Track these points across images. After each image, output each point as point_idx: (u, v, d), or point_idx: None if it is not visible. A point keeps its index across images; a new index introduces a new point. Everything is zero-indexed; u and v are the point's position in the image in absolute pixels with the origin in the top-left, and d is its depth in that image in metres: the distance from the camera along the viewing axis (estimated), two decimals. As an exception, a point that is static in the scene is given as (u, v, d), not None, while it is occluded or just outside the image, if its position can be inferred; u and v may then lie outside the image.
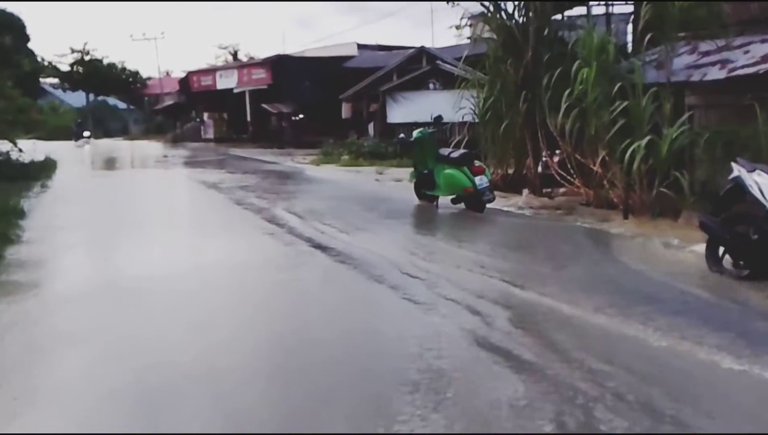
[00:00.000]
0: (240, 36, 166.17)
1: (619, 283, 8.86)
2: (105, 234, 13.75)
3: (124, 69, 76.01)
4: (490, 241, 12.29)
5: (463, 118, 30.89)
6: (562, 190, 17.19)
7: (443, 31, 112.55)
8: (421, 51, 36.66)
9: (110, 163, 35.95)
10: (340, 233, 12.67)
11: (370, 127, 40.64)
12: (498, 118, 20.00)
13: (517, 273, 9.43)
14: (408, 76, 33.77)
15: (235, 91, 52.22)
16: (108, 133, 72.33)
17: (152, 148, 47.80)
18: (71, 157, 38.16)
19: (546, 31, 18.91)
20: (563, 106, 16.09)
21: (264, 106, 48.34)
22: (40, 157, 28.81)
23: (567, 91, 16.02)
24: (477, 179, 15.03)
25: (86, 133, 59.42)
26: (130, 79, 77.02)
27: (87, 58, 72.55)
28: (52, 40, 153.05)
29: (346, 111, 41.00)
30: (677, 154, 13.78)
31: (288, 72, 46.97)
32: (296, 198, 18.19)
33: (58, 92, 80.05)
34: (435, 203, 16.01)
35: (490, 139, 20.65)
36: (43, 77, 73.54)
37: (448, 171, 15.41)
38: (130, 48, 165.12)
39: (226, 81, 53.54)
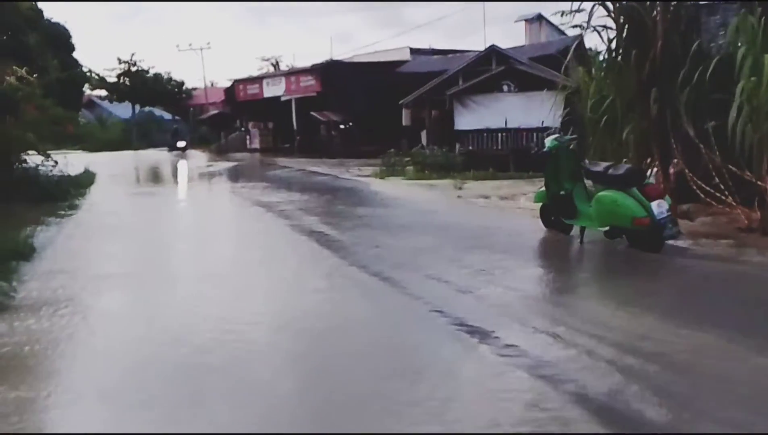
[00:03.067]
0: (281, 49, 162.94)
1: None
2: (139, 300, 8.72)
3: (170, 79, 71.73)
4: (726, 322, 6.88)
5: (543, 123, 27.17)
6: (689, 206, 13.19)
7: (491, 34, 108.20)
8: (491, 51, 31.94)
9: (152, 178, 31.67)
10: (476, 293, 8.25)
11: (423, 136, 36.26)
12: (613, 123, 15.83)
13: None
14: (478, 78, 29.12)
15: (283, 99, 47.84)
16: (153, 145, 68.46)
17: (197, 159, 43.34)
18: (113, 170, 33.81)
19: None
20: (735, 105, 11.81)
21: (313, 114, 43.98)
22: (79, 170, 25.22)
23: (740, 85, 11.84)
24: (654, 206, 10.16)
25: (181, 144, 54.48)
26: (176, 90, 72.84)
27: (134, 69, 68.49)
28: (101, 52, 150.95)
29: (406, 118, 36.35)
30: None
31: (338, 79, 42.60)
32: (374, 226, 13.88)
33: (106, 104, 76.21)
34: (579, 237, 11.26)
35: (599, 147, 16.54)
36: (90, 89, 69.84)
37: (606, 194, 10.62)
38: (176, 58, 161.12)
39: (273, 89, 49.16)
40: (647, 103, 14.48)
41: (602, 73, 17.11)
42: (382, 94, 38.47)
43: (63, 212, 16.40)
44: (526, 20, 47.55)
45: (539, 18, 47.14)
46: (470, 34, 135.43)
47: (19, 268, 9.80)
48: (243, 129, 56.55)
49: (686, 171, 13.25)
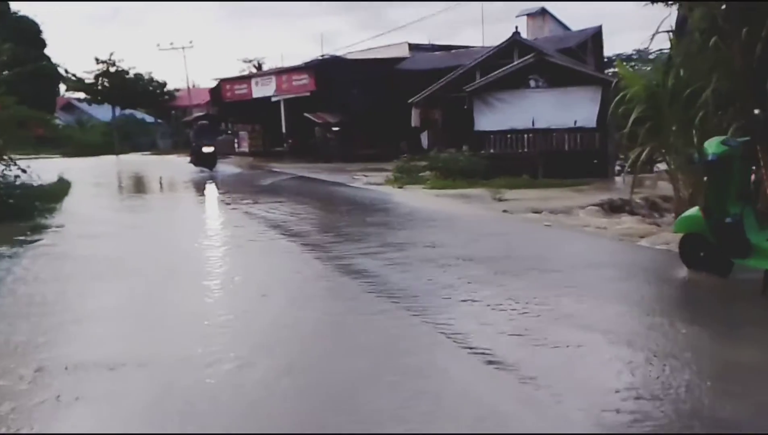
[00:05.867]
0: (264, 51, 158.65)
1: None
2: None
3: (151, 80, 67.56)
4: None
5: (576, 123, 23.55)
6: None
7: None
8: (513, 42, 28.22)
9: (135, 187, 27.08)
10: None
11: (423, 138, 32.65)
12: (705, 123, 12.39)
13: None
14: (501, 72, 25.33)
15: (273, 99, 44.04)
16: (135, 148, 64.46)
17: (183, 164, 39.15)
18: (91, 178, 29.73)
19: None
20: None
21: (307, 115, 40.15)
22: (52, 179, 22.07)
23: None
24: None
25: (207, 149, 32.17)
26: (158, 91, 68.61)
27: (113, 69, 64.23)
28: (80, 55, 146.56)
29: (415, 118, 32.61)
30: None
31: (334, 77, 38.97)
32: (433, 259, 9.85)
33: (85, 106, 72.48)
34: (763, 285, 7.40)
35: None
36: (67, 90, 65.91)
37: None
38: (157, 59, 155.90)
39: (263, 89, 45.30)
40: (758, 95, 11.04)
41: (681, 60, 13.60)
42: (381, 93, 35.31)
43: (21, 238, 12.41)
44: (528, 15, 44.19)
45: (543, 12, 43.89)
46: (454, 34, 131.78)
47: None
48: (230, 132, 52.34)
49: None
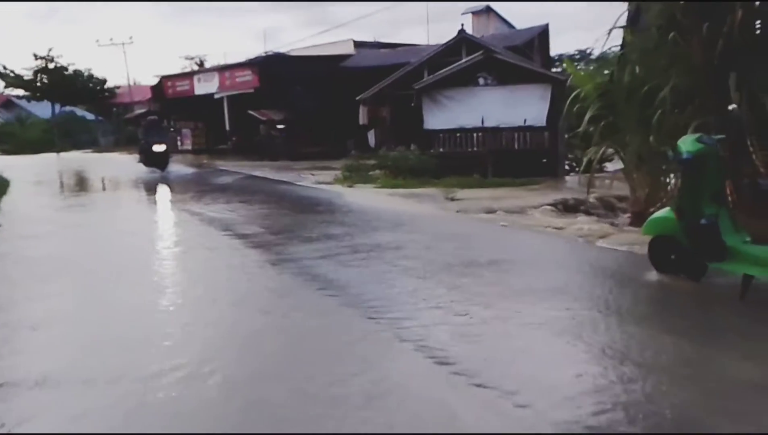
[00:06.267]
0: (206, 48, 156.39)
1: None
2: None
3: (91, 77, 65.86)
4: None
5: (525, 122, 23.26)
6: None
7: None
8: (461, 39, 27.82)
9: (73, 188, 25.59)
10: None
11: (370, 136, 32.16)
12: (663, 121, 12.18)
13: None
14: (450, 69, 24.91)
15: (216, 96, 43.07)
16: (76, 146, 62.87)
17: (125, 162, 37.84)
18: (31, 176, 28.67)
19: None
20: None
21: (251, 112, 39.31)
22: None
23: None
24: None
25: (158, 147, 29.05)
26: (98, 88, 66.92)
27: (51, 66, 62.52)
28: (20, 53, 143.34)
29: (363, 116, 32.05)
30: None
31: (278, 74, 38.05)
32: (391, 263, 9.42)
33: (25, 103, 70.55)
34: (741, 291, 7.04)
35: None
36: (5, 87, 63.82)
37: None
38: (97, 55, 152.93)
39: (206, 86, 44.24)
40: (719, 92, 10.82)
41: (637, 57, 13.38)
42: (326, 90, 34.79)
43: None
44: (473, 13, 43.93)
45: (488, 10, 43.66)
46: (398, 33, 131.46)
47: None
48: (173, 129, 51.06)
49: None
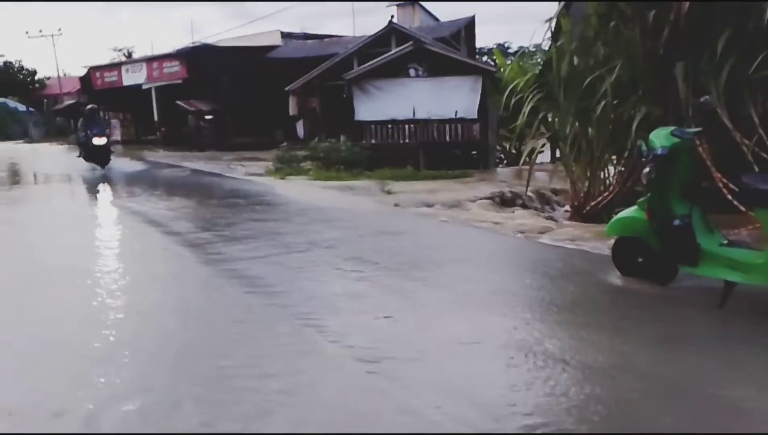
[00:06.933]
0: (132, 40, 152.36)
1: None
2: None
3: (21, 68, 63.55)
4: None
5: (456, 114, 22.53)
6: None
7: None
8: (390, 30, 26.96)
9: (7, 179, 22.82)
10: None
11: (299, 127, 31.17)
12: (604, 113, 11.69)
13: None
14: (380, 59, 24.04)
15: (144, 87, 41.44)
16: (7, 137, 60.40)
17: (54, 154, 35.77)
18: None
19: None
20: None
21: (179, 103, 37.87)
22: None
23: None
24: None
25: (99, 140, 24.36)
26: (29, 79, 64.49)
27: (-20, 57, 60.09)
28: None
29: (293, 106, 30.95)
30: None
31: (206, 64, 36.77)
32: (325, 265, 8.33)
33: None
34: (721, 297, 6.12)
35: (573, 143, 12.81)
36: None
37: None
38: (26, 47, 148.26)
39: (134, 76, 42.54)
40: (664, 82, 10.38)
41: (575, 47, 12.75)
42: (254, 81, 33.82)
43: None
44: (398, 5, 43.12)
45: (413, 2, 42.93)
46: (323, 25, 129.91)
47: None
48: (78, 123, 48.97)
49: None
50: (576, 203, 13.04)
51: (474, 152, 22.97)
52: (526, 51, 26.78)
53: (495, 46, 60.65)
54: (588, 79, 11.90)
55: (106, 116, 47.42)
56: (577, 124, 12.68)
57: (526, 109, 13.50)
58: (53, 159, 31.10)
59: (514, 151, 27.21)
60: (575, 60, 12.67)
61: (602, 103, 11.61)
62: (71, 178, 21.86)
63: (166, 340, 5.81)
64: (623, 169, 12.31)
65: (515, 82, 14.21)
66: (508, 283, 7.53)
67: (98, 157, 24.34)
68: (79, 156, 25.71)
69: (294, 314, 6.17)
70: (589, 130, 12.51)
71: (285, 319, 6.10)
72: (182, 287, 7.63)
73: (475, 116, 22.68)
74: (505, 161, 27.05)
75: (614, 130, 12.04)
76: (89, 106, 26.66)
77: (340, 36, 41.10)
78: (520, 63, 23.85)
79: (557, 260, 8.55)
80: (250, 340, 5.62)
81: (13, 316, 6.65)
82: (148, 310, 6.66)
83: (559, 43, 13.01)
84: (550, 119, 13.86)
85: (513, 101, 14.97)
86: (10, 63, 62.35)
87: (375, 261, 8.40)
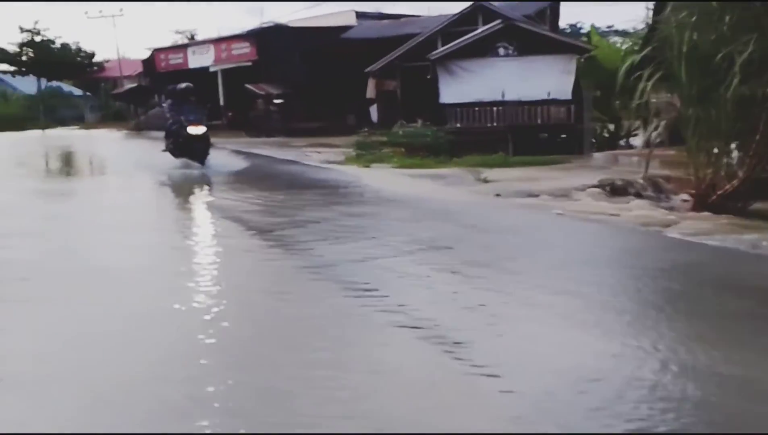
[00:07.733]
0: (196, 23, 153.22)
1: None
2: None
3: (79, 50, 63.69)
4: None
5: (549, 95, 21.77)
6: None
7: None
8: (477, 8, 26.23)
9: (55, 173, 22.76)
10: None
11: (373, 111, 30.55)
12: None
13: None
14: (468, 38, 23.32)
15: (212, 69, 41.36)
16: (62, 122, 61.16)
17: (113, 140, 35.53)
18: (13, 156, 26.68)
19: None
20: None
21: (248, 87, 37.49)
22: None
23: None
24: None
25: (195, 129, 19.59)
26: (86, 62, 64.72)
27: (38, 39, 60.52)
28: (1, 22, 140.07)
29: (371, 89, 30.41)
30: None
31: (277, 46, 36.53)
32: (448, 273, 7.40)
33: (10, 79, 67.93)
34: None
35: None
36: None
37: None
38: (85, 28, 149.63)
39: (200, 58, 42.47)
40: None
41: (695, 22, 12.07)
42: (326, 63, 33.31)
43: None
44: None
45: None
46: (397, 4, 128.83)
47: None
48: (163, 105, 49.02)
49: None
50: (698, 192, 12.28)
51: (563, 135, 22.14)
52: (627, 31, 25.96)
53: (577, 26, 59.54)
54: (718, 56, 11.13)
55: (168, 100, 47.21)
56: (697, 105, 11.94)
57: (644, 88, 12.76)
58: (115, 146, 30.75)
59: (606, 135, 26.32)
60: (695, 36, 11.95)
61: (733, 82, 10.84)
62: (135, 169, 20.98)
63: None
64: (752, 154, 11.58)
65: (630, 60, 13.44)
66: (660, 295, 6.65)
67: (193, 150, 19.69)
68: (164, 150, 20.92)
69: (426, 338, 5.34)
70: (712, 111, 11.77)
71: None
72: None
73: (569, 97, 21.84)
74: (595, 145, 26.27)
75: (743, 112, 11.32)
76: (183, 85, 22.17)
77: (416, 15, 40.37)
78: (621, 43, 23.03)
79: (702, 263, 7.79)
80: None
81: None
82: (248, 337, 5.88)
83: (681, 16, 12.27)
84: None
85: (619, 81, 14.34)
86: (67, 45, 62.57)
87: (500, 267, 7.56)
